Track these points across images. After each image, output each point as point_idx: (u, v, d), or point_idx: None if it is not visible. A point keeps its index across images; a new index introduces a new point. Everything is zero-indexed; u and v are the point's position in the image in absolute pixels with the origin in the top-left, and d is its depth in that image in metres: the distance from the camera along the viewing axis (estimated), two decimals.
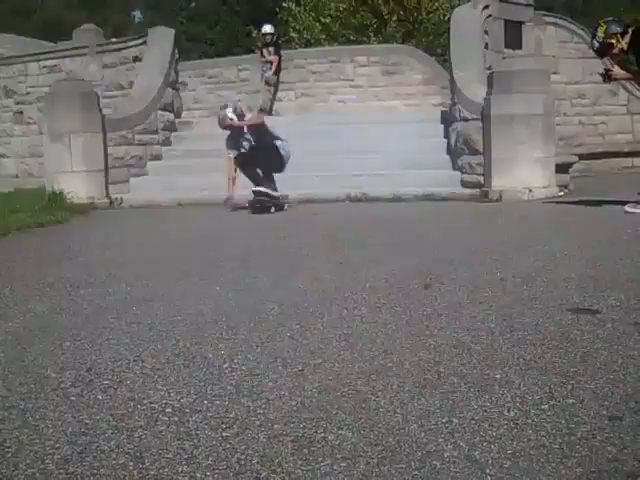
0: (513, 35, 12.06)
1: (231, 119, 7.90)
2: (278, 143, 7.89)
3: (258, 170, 7.91)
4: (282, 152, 7.88)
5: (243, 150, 8.02)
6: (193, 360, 2.74)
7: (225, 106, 8.31)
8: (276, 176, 8.05)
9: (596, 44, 6.83)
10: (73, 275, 4.52)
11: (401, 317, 3.26)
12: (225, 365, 2.67)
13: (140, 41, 12.38)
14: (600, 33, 6.71)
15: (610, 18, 7.02)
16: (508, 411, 2.19)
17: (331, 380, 2.50)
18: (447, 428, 2.09)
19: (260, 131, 7.93)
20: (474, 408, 2.22)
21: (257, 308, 3.47)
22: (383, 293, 3.70)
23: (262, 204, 7.74)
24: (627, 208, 6.63)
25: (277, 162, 7.90)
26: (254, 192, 7.76)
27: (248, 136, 7.96)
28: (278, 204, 7.91)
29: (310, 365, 2.65)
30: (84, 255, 5.44)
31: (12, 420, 2.22)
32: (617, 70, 7.02)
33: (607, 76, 6.98)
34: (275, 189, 7.94)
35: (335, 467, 1.88)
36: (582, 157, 10.31)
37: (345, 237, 5.89)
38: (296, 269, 4.49)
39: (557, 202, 7.83)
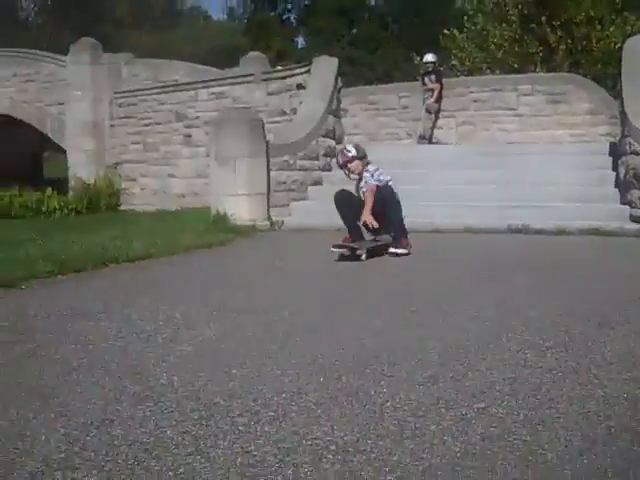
0: None
1: (349, 152, 7.34)
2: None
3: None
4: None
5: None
6: (356, 396, 2.76)
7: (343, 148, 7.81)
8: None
9: None
10: (237, 300, 4.67)
11: (567, 363, 3.15)
12: (388, 404, 2.67)
13: (304, 69, 12.68)
14: None
15: None
16: None
17: (495, 427, 2.45)
18: None
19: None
20: None
21: (419, 345, 3.46)
22: (548, 335, 3.59)
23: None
24: None
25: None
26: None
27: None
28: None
29: (473, 409, 2.61)
30: (246, 279, 5.62)
31: (185, 446, 2.31)
32: None
33: None
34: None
35: None
36: None
37: (508, 272, 5.75)
38: (458, 304, 4.43)
39: None
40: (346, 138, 12.72)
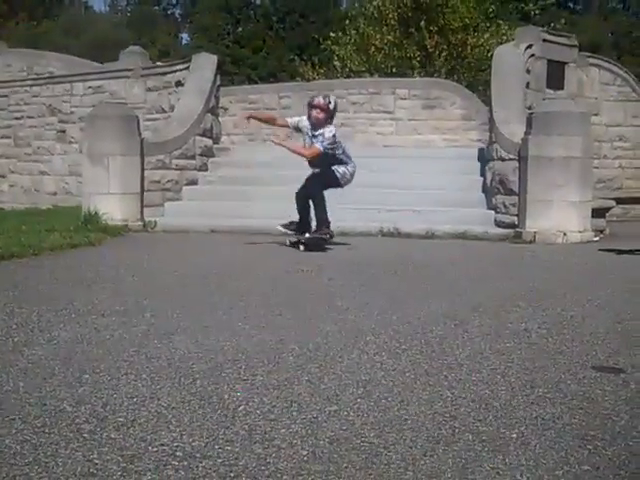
0: (556, 75, 12.02)
1: (329, 103, 7.48)
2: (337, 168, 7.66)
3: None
4: (337, 174, 7.64)
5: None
6: (209, 400, 2.74)
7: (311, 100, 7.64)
8: None
9: None
10: (99, 302, 4.56)
11: (421, 365, 3.23)
12: (240, 408, 2.67)
13: (184, 66, 12.53)
14: None
15: None
16: (521, 475, 2.15)
17: (345, 430, 2.48)
18: None
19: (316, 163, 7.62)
20: (486, 470, 2.19)
21: (277, 348, 3.47)
22: (405, 338, 3.68)
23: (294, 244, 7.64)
24: None
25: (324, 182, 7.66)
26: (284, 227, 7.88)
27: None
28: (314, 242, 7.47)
29: (325, 412, 2.64)
30: (112, 281, 5.49)
31: (24, 455, 2.23)
32: None
33: None
34: (321, 225, 7.51)
35: None
36: (621, 201, 10.20)
37: (374, 275, 5.86)
38: (321, 308, 4.48)
39: (592, 247, 7.74)
40: (225, 138, 12.67)
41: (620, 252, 7.18)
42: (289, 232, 7.74)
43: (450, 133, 12.84)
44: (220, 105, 12.45)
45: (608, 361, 3.35)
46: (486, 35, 17.74)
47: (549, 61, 11.94)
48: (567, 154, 8.31)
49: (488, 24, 18.28)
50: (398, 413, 2.65)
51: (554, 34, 12.61)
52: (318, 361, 3.26)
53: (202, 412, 2.62)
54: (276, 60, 40.82)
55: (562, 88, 11.95)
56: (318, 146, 7.37)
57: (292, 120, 7.72)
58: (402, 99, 13.72)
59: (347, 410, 2.67)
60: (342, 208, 9.10)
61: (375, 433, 2.46)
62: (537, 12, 22.57)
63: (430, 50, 17.97)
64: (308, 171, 7.71)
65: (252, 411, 2.64)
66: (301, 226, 7.70)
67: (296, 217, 7.75)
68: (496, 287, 5.37)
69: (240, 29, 46.89)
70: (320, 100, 7.45)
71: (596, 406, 2.75)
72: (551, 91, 11.51)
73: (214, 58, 12.09)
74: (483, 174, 9.57)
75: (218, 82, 11.95)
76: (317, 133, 7.45)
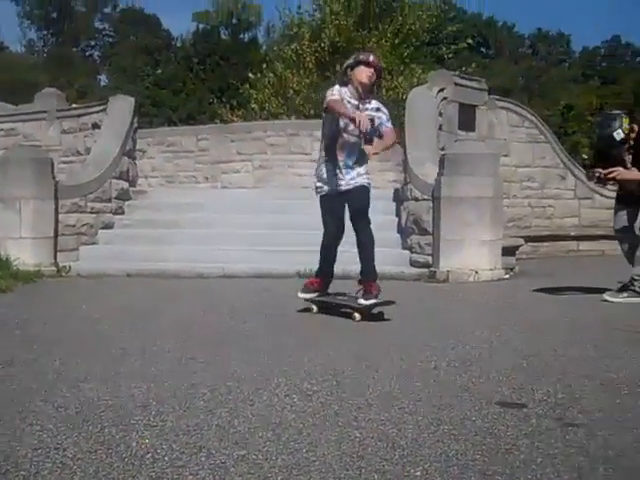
0: (467, 118, 12.36)
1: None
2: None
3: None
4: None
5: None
6: (116, 449, 2.71)
7: None
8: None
9: (622, 134, 6.65)
10: (7, 350, 4.46)
11: (331, 407, 3.27)
12: (148, 455, 2.65)
13: (100, 108, 12.44)
14: (626, 124, 6.62)
15: (619, 111, 7.16)
16: None
17: (253, 474, 2.49)
18: None
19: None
20: None
21: (189, 393, 3.46)
22: (317, 380, 3.71)
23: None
24: (606, 297, 6.78)
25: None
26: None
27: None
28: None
29: (234, 457, 2.64)
30: (21, 328, 5.37)
31: None
32: (623, 171, 6.76)
33: (603, 179, 6.86)
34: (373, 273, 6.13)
35: None
36: (530, 239, 10.53)
37: (289, 318, 5.90)
38: (234, 350, 4.48)
39: (503, 285, 7.97)
40: (142, 180, 12.61)
41: (550, 291, 7.40)
42: (315, 297, 6.19)
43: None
44: (138, 147, 12.39)
45: (512, 397, 3.45)
46: (400, 78, 18.16)
47: (461, 104, 12.28)
48: (478, 194, 8.55)
49: (402, 67, 18.75)
50: (307, 455, 2.67)
51: (465, 78, 13.01)
52: (229, 405, 3.27)
53: (109, 461, 2.59)
54: (196, 102, 40.81)
55: (473, 130, 12.31)
56: (389, 125, 5.89)
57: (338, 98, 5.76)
58: (319, 141, 13.85)
59: (256, 454, 2.68)
60: (260, 249, 9.15)
61: (283, 476, 2.48)
62: (450, 56, 23.25)
63: None
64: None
65: (160, 458, 2.62)
66: (326, 278, 6.37)
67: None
68: (409, 326, 5.47)
69: (160, 71, 46.81)
70: (375, 58, 5.88)
71: (499, 441, 2.83)
72: (463, 133, 11.83)
73: (131, 100, 12.05)
74: (398, 214, 9.75)
75: (135, 124, 11.90)
76: (372, 106, 5.84)
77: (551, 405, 3.31)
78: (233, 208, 10.59)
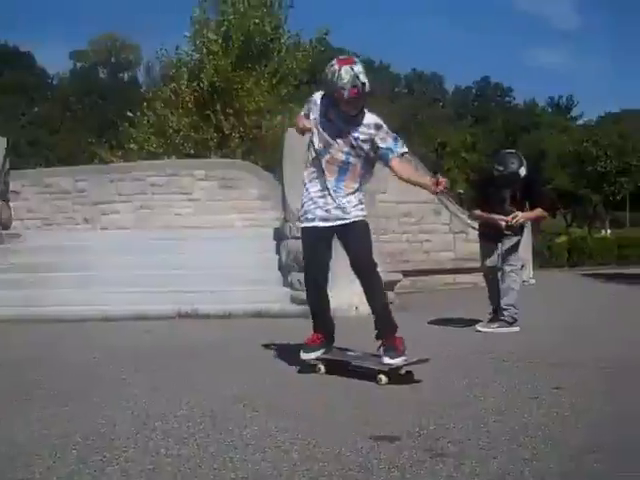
0: None
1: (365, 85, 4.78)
2: None
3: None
4: None
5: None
6: None
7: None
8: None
9: (524, 171, 6.91)
10: None
11: (208, 449, 3.26)
12: None
13: None
14: (524, 163, 6.89)
15: (512, 150, 7.47)
16: None
17: None
18: None
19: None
20: None
21: (61, 442, 3.38)
22: (194, 422, 3.70)
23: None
24: (479, 327, 7.07)
25: None
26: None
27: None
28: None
29: None
30: None
31: None
32: (525, 214, 7.11)
33: (513, 225, 7.07)
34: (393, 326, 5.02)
35: None
36: (408, 274, 10.80)
37: (168, 360, 5.85)
38: (110, 396, 4.41)
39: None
40: (17, 223, 12.25)
41: (426, 324, 7.63)
42: (322, 355, 5.12)
43: (247, 213, 13.11)
44: (11, 189, 12.05)
45: (385, 429, 3.54)
46: (279, 117, 18.44)
47: None
48: None
49: (281, 107, 19.06)
50: None
51: None
52: (102, 452, 3.22)
53: None
54: (74, 141, 40.06)
55: None
56: (399, 149, 4.98)
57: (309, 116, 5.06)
58: (200, 180, 13.88)
59: None
60: (141, 290, 9.03)
61: None
62: None
63: (227, 132, 18.41)
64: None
65: None
66: (327, 328, 5.31)
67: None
68: (282, 364, 5.48)
69: (36, 109, 45.76)
70: (353, 92, 4.72)
71: (371, 476, 2.90)
72: None
73: (3, 140, 11.71)
74: (279, 252, 9.84)
75: (8, 166, 11.57)
76: (367, 121, 4.92)
77: (423, 436, 3.42)
78: (114, 250, 10.43)
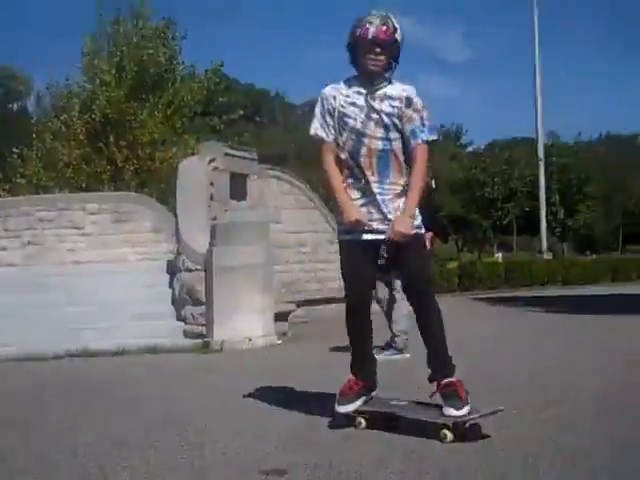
0: (238, 186, 12.64)
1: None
2: None
3: None
4: None
5: None
6: None
7: None
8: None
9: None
10: None
11: None
12: None
13: None
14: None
15: None
16: None
17: None
18: None
19: None
20: None
21: None
22: (66, 470, 3.62)
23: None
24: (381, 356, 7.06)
25: None
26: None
27: None
28: None
29: None
30: None
31: None
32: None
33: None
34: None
35: None
36: (303, 304, 10.90)
37: (46, 405, 5.71)
38: None
39: (275, 350, 8.18)
40: None
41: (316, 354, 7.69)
42: (362, 407, 4.21)
43: (140, 246, 12.90)
44: None
45: (274, 463, 3.55)
46: (174, 149, 18.36)
47: (232, 173, 12.57)
48: (249, 262, 8.77)
49: (175, 138, 18.98)
50: None
51: (236, 148, 13.36)
52: None
53: None
54: None
55: (245, 199, 12.61)
56: (424, 136, 4.05)
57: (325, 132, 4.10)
58: (92, 214, 13.59)
59: None
60: (27, 329, 8.77)
61: None
62: (223, 126, 23.76)
63: (120, 164, 18.18)
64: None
65: None
66: (367, 368, 4.42)
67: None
68: (172, 404, 5.41)
69: None
70: (378, 29, 3.90)
71: None
72: (234, 202, 12.10)
73: None
74: (172, 286, 9.77)
75: None
76: (392, 93, 4.03)
77: (311, 468, 3.45)
78: (0, 288, 10.12)
